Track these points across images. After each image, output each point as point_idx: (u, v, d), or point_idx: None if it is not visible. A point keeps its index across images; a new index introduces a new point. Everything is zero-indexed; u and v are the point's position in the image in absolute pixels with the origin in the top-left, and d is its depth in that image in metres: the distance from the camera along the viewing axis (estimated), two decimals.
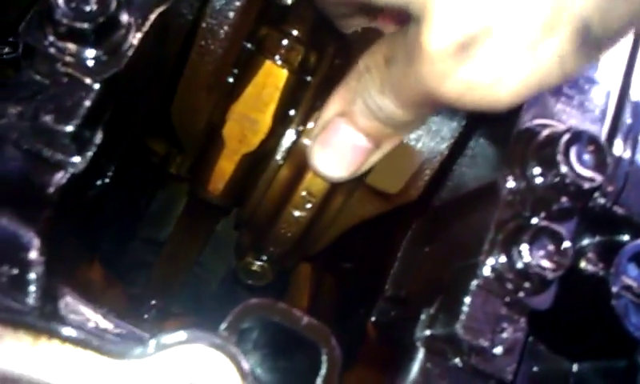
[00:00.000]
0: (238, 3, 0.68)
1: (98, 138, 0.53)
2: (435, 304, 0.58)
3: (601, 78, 0.64)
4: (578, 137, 0.55)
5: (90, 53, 0.48)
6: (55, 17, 0.47)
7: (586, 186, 0.54)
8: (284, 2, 0.82)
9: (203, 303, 1.27)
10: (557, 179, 0.55)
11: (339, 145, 0.66)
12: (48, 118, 0.48)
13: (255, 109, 0.79)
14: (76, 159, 0.51)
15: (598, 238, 0.65)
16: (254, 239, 0.86)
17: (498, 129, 0.72)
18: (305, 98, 0.78)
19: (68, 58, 0.48)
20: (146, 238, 1.24)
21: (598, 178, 0.54)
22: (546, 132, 0.58)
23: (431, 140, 0.71)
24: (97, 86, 0.50)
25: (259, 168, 0.83)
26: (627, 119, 0.64)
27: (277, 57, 0.76)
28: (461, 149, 0.72)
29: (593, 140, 0.55)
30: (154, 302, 0.86)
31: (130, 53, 0.50)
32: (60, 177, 0.50)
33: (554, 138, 0.56)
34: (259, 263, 0.88)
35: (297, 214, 0.78)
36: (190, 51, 0.73)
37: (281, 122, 0.79)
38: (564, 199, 0.56)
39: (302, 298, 0.96)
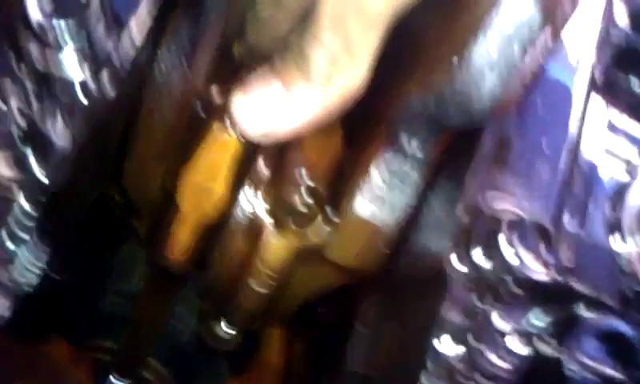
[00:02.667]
0: (181, 76, 0.67)
1: (42, 253, 0.52)
2: None
3: (549, 148, 0.63)
4: (521, 222, 0.54)
5: (19, 171, 0.46)
6: None
7: (533, 275, 0.53)
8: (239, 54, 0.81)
9: (178, 354, 1.26)
10: (501, 267, 0.54)
11: (261, 97, 0.65)
12: None
13: (206, 176, 0.77)
14: (20, 279, 0.49)
15: (551, 311, 0.64)
16: (217, 307, 0.85)
17: (452, 197, 0.72)
18: (257, 162, 0.77)
19: None
20: (116, 290, 1.23)
21: (542, 267, 0.53)
22: (490, 213, 0.57)
23: (383, 211, 0.70)
24: (27, 204, 0.48)
25: (218, 235, 0.82)
26: (577, 190, 0.63)
27: (226, 124, 0.75)
28: (415, 219, 0.71)
29: (537, 225, 0.54)
30: (123, 379, 0.84)
31: (61, 164, 0.49)
32: (8, 300, 0.49)
33: (498, 223, 0.56)
34: (225, 329, 0.87)
35: (256, 288, 0.77)
36: (135, 125, 0.72)
37: (235, 184, 0.78)
38: (511, 284, 0.55)
39: (273, 360, 0.95)
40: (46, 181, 0.49)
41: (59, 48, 0.47)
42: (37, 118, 0.46)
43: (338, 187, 0.74)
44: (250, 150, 0.77)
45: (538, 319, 0.64)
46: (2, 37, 0.47)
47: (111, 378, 0.93)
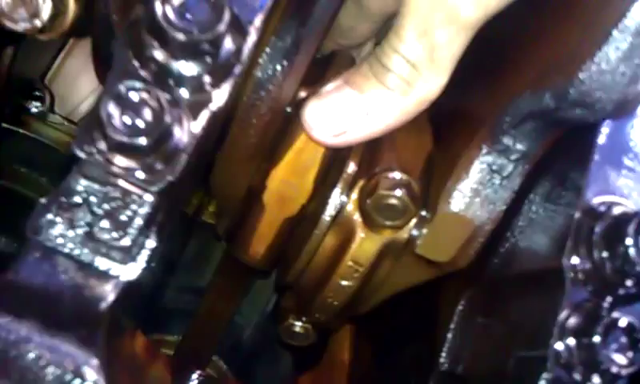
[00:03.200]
0: (280, 77, 0.67)
1: (152, 243, 0.52)
2: None
3: None
4: None
5: (144, 165, 0.47)
6: (108, 132, 0.45)
7: None
8: (320, 54, 0.80)
9: (238, 350, 1.26)
10: (625, 264, 0.53)
11: (335, 104, 0.66)
12: (101, 232, 0.47)
13: (295, 174, 0.77)
14: (130, 268, 0.49)
15: None
16: (299, 303, 0.85)
17: (553, 196, 0.70)
18: (349, 161, 0.76)
19: (120, 171, 0.47)
20: (182, 286, 1.24)
21: None
22: (611, 213, 0.56)
23: (482, 207, 0.69)
24: (151, 198, 0.48)
25: (301, 231, 0.81)
26: None
27: None
28: (513, 216, 0.69)
29: None
30: (198, 372, 0.85)
31: (185, 161, 0.49)
32: (114, 287, 0.49)
33: (623, 221, 0.54)
34: (302, 325, 0.87)
35: (344, 283, 0.76)
36: (230, 124, 0.71)
37: (322, 185, 0.77)
38: (630, 283, 0.54)
39: (342, 356, 0.94)
40: (172, 180, 0.48)
41: (185, 58, 0.47)
42: (168, 122, 0.46)
43: (430, 184, 0.73)
44: (341, 150, 0.77)
45: None
46: (128, 49, 0.47)
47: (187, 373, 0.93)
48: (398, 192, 0.71)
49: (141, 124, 0.46)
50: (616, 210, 0.56)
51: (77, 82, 1.13)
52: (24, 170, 1.06)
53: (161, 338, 1.23)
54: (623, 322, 0.52)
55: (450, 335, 0.71)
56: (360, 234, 0.74)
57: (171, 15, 0.46)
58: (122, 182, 0.48)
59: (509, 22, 0.61)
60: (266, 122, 0.70)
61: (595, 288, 0.55)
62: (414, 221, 0.73)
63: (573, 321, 0.54)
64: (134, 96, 0.45)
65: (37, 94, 1.10)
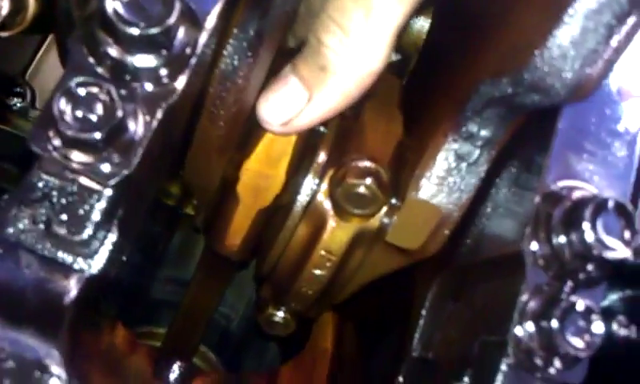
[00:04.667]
0: (245, 69, 0.67)
1: (113, 236, 0.52)
2: (465, 379, 0.57)
3: (623, 129, 0.62)
4: (604, 204, 0.53)
5: (99, 159, 0.47)
6: (60, 129, 0.46)
7: (614, 256, 0.52)
8: (289, 47, 0.81)
9: (227, 340, 1.27)
10: (583, 248, 0.54)
11: (280, 92, 0.68)
12: (60, 228, 0.48)
13: (268, 164, 0.78)
14: (92, 262, 0.50)
15: (626, 293, 0.63)
16: (275, 293, 0.85)
17: (520, 180, 0.71)
18: (319, 150, 0.77)
19: (76, 165, 0.48)
20: (167, 277, 1.25)
21: (626, 249, 0.52)
22: (571, 197, 0.56)
23: (449, 195, 0.69)
24: (108, 192, 0.49)
25: (275, 221, 0.82)
26: None
27: None
28: (481, 202, 0.70)
29: (620, 207, 0.53)
30: (178, 363, 0.86)
31: (140, 154, 0.49)
32: (77, 281, 0.50)
33: (580, 205, 0.55)
34: (281, 315, 0.88)
35: (317, 272, 0.77)
36: (199, 116, 0.72)
37: (295, 175, 0.78)
38: (590, 268, 0.54)
39: (325, 344, 0.95)
40: (127, 173, 0.49)
41: (139, 52, 0.47)
42: (120, 116, 0.46)
43: (400, 172, 0.73)
44: (311, 139, 0.77)
45: (614, 303, 0.64)
46: (82, 45, 0.47)
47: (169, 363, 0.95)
48: (367, 181, 0.71)
49: (93, 118, 0.46)
50: (575, 195, 0.56)
51: (58, 78, 1.13)
52: (6, 165, 1.07)
53: (149, 330, 1.25)
54: (580, 306, 0.53)
55: (421, 321, 0.72)
56: (331, 223, 0.75)
57: (121, 11, 0.47)
58: (78, 177, 0.49)
59: (470, 10, 0.61)
60: (234, 114, 0.71)
61: (555, 273, 0.56)
62: (384, 209, 0.74)
63: (532, 306, 0.55)
64: (85, 91, 0.46)
65: (18, 90, 1.10)
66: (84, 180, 0.48)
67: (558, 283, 0.56)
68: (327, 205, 0.75)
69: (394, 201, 0.73)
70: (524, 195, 0.68)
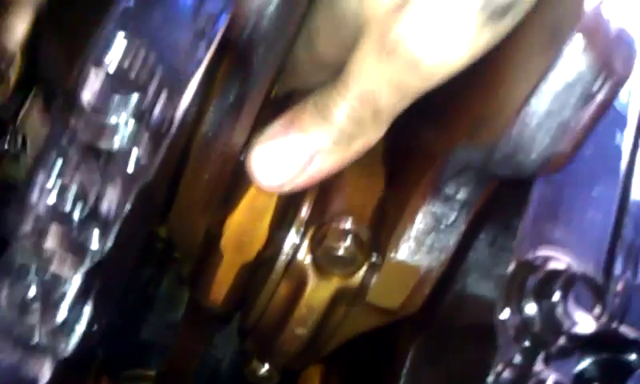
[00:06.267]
0: (227, 130, 0.68)
1: (88, 312, 0.53)
2: None
3: (600, 195, 0.62)
4: (574, 279, 0.54)
5: (72, 245, 0.48)
6: (30, 217, 0.47)
7: (583, 331, 0.53)
8: (276, 96, 0.82)
9: (217, 381, 1.27)
10: (553, 321, 0.54)
11: (280, 149, 0.65)
12: (34, 315, 0.48)
13: (251, 219, 0.78)
14: (65, 344, 0.51)
15: (602, 358, 0.63)
16: (258, 348, 0.86)
17: (497, 242, 0.71)
18: (301, 206, 0.78)
19: (48, 252, 0.48)
20: (159, 321, 1.25)
21: (595, 324, 0.52)
22: (543, 267, 0.56)
23: (427, 255, 0.70)
24: (81, 276, 0.50)
25: (259, 276, 0.82)
26: (628, 234, 0.62)
27: None
28: (460, 263, 0.70)
29: (591, 282, 0.54)
30: None
31: (114, 234, 0.50)
32: (51, 363, 0.50)
33: (551, 278, 0.55)
34: (266, 368, 0.88)
35: (298, 330, 0.77)
36: (182, 174, 0.73)
37: (278, 230, 0.79)
38: (562, 339, 0.55)
39: None
40: (101, 255, 0.50)
41: (113, 133, 0.48)
42: (92, 201, 0.47)
43: (381, 229, 0.74)
44: (294, 195, 0.78)
45: (589, 369, 0.64)
46: (56, 123, 0.48)
47: None
48: (346, 242, 0.72)
49: (65, 207, 0.47)
50: (548, 265, 0.56)
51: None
52: None
53: (141, 373, 1.25)
54: (550, 382, 0.53)
55: (401, 381, 0.72)
56: (312, 281, 0.76)
57: (93, 100, 0.48)
58: (51, 262, 0.49)
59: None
60: (216, 175, 0.72)
61: (527, 343, 0.56)
62: (365, 267, 0.74)
63: (505, 378, 0.55)
64: (57, 180, 0.47)
65: (8, 136, 1.11)
66: (57, 265, 0.49)
67: (530, 354, 0.56)
68: (308, 262, 0.76)
69: (374, 258, 0.74)
70: (502, 257, 0.69)
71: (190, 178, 0.73)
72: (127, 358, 1.20)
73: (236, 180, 0.77)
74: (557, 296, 0.53)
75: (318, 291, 0.75)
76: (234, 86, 0.65)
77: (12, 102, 1.17)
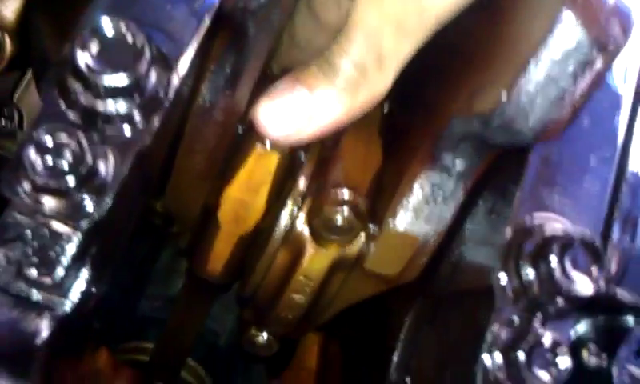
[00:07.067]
0: (223, 103, 0.68)
1: (86, 274, 0.53)
2: None
3: (597, 162, 0.63)
4: (573, 241, 0.54)
5: (69, 205, 0.48)
6: (30, 176, 0.47)
7: (581, 292, 0.53)
8: (274, 73, 0.81)
9: (215, 356, 1.28)
10: (551, 283, 0.54)
11: (286, 103, 0.65)
12: (32, 270, 0.48)
13: (248, 192, 0.78)
14: (63, 303, 0.51)
15: (598, 321, 0.63)
16: (256, 316, 0.86)
17: (495, 209, 0.72)
18: (299, 179, 0.78)
19: (47, 210, 0.48)
20: (155, 294, 1.25)
21: (593, 285, 0.53)
22: (541, 231, 0.57)
23: (426, 224, 0.70)
24: (79, 236, 0.50)
25: (257, 247, 0.83)
26: (625, 203, 0.63)
27: (266, 142, 0.76)
28: (458, 231, 0.71)
29: (588, 244, 0.54)
30: None
31: (111, 199, 0.50)
32: (50, 321, 0.50)
33: (549, 241, 0.55)
34: (264, 336, 0.88)
35: (296, 297, 0.78)
36: (178, 147, 0.73)
37: (276, 202, 0.79)
38: (559, 301, 0.55)
39: (310, 364, 0.96)
40: (98, 216, 0.50)
41: (110, 98, 0.48)
42: (89, 162, 0.47)
43: (378, 200, 0.74)
44: (291, 167, 0.78)
45: (586, 331, 0.64)
46: (55, 89, 0.48)
47: None
48: (344, 210, 0.72)
49: (62, 166, 0.47)
50: (545, 229, 0.57)
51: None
52: None
53: (137, 345, 1.25)
54: (548, 340, 0.53)
55: (399, 348, 0.72)
56: (310, 249, 0.76)
57: (92, 63, 0.47)
58: (49, 221, 0.49)
59: (445, 45, 0.62)
60: (213, 146, 0.72)
61: (525, 305, 0.57)
62: (362, 236, 0.75)
63: (501, 337, 0.56)
64: (54, 140, 0.47)
65: (5, 112, 1.11)
66: (54, 223, 0.49)
67: (527, 315, 0.56)
68: (306, 232, 0.76)
69: (372, 227, 0.74)
70: (500, 223, 0.69)
71: (187, 150, 0.73)
72: (125, 331, 1.20)
73: (233, 152, 0.77)
74: (554, 259, 0.54)
75: (316, 260, 0.75)
76: (230, 58, 0.65)
77: (8, 78, 1.17)
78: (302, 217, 0.76)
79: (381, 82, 0.63)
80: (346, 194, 0.73)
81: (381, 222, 0.73)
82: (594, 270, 0.53)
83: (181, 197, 0.78)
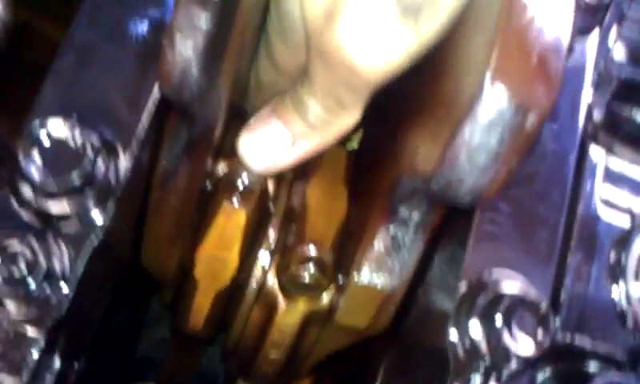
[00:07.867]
0: (183, 171, 0.70)
1: (56, 364, 0.56)
2: None
3: (547, 213, 0.64)
4: (521, 304, 0.55)
5: (30, 310, 0.51)
6: None
7: (526, 353, 0.54)
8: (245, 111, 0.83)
9: None
10: (500, 346, 0.56)
11: (265, 135, 0.69)
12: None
13: (222, 248, 0.80)
14: None
15: (559, 368, 0.64)
16: (240, 369, 0.88)
17: (455, 259, 0.73)
18: (268, 232, 0.80)
19: (8, 315, 0.51)
20: (153, 337, 1.28)
21: (535, 347, 0.54)
22: (490, 291, 0.58)
23: (389, 276, 0.72)
24: (42, 340, 0.52)
25: (235, 301, 0.85)
26: (578, 248, 0.64)
27: (234, 199, 0.78)
28: (421, 279, 0.72)
29: (534, 307, 0.55)
30: None
31: (72, 294, 0.52)
32: None
33: (497, 301, 0.57)
34: None
35: (273, 353, 0.80)
36: (146, 213, 0.75)
37: (248, 256, 0.81)
38: (513, 364, 0.57)
39: None
40: (61, 313, 0.52)
41: (60, 196, 0.50)
42: (44, 266, 0.49)
43: (345, 248, 0.76)
44: (261, 218, 0.80)
45: (546, 379, 0.66)
46: (4, 187, 0.50)
47: None
48: (310, 267, 0.74)
49: (17, 274, 0.49)
50: (492, 289, 0.58)
51: None
52: None
53: None
54: None
55: None
56: (282, 305, 0.78)
57: (36, 170, 0.50)
58: (13, 325, 0.52)
59: (397, 92, 0.63)
60: (179, 211, 0.74)
61: (478, 366, 0.58)
62: (332, 291, 0.76)
63: None
64: (7, 249, 0.49)
65: None
66: (18, 326, 0.52)
67: (483, 377, 0.58)
68: (277, 287, 0.78)
69: (341, 278, 0.76)
70: (459, 271, 0.70)
71: (154, 215, 0.75)
72: (125, 374, 1.23)
73: (203, 210, 0.79)
74: (499, 318, 0.55)
75: (288, 315, 0.77)
76: (183, 130, 0.68)
77: None
78: (273, 271, 0.78)
79: (350, 117, 0.66)
80: (312, 250, 0.74)
81: (348, 272, 0.75)
82: (540, 333, 0.55)
83: (155, 259, 0.80)
